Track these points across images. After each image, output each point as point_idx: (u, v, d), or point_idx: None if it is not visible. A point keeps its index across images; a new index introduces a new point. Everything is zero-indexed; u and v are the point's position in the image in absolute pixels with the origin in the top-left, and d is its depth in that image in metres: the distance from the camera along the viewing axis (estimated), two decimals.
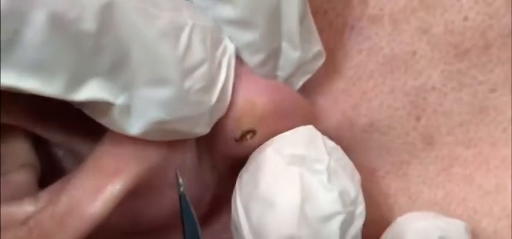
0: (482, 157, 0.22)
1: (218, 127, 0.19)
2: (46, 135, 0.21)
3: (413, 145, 0.22)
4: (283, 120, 0.20)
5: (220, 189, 0.22)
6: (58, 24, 0.15)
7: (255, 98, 0.20)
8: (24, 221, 0.17)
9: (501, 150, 0.22)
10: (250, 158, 0.21)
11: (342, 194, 0.19)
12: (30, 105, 0.20)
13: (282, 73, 0.21)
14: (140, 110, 0.17)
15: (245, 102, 0.19)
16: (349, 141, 0.23)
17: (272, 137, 0.20)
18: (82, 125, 0.20)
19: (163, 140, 0.18)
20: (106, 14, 0.15)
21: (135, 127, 0.17)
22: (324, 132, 0.22)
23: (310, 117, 0.22)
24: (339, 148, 0.21)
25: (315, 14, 0.21)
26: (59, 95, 0.16)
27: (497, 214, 0.22)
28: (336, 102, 0.23)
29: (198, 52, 0.17)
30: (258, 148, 0.20)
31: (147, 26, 0.16)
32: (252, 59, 0.20)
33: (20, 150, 0.20)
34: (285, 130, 0.21)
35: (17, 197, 0.19)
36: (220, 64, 0.18)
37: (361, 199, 0.20)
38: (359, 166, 0.23)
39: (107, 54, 0.16)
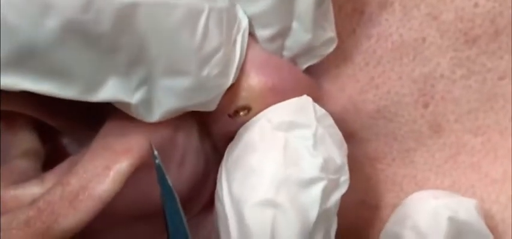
0: (490, 144, 0.22)
1: None
2: (50, 122, 0.21)
3: (420, 132, 0.22)
4: (282, 98, 0.20)
5: None
6: (73, 29, 0.15)
7: (251, 73, 0.19)
8: (33, 202, 0.17)
9: (509, 138, 0.22)
10: (241, 128, 0.21)
11: (327, 161, 0.19)
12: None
13: (288, 53, 0.20)
14: (159, 100, 0.17)
15: (241, 77, 0.19)
16: (355, 126, 0.23)
17: None
18: (87, 112, 0.20)
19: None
20: (125, 13, 0.15)
21: (154, 116, 0.18)
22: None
23: (315, 98, 0.21)
24: (329, 115, 0.21)
25: None
26: (76, 98, 0.16)
27: (505, 202, 0.22)
28: (342, 87, 0.22)
29: (214, 38, 0.17)
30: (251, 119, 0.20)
31: (166, 18, 0.16)
32: (261, 33, 0.20)
33: (24, 137, 0.20)
34: None
35: (22, 181, 0.19)
36: (235, 42, 0.18)
37: (346, 168, 0.20)
38: (365, 152, 0.23)
39: (124, 52, 0.16)
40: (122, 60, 0.16)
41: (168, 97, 0.17)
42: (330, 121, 0.20)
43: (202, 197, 0.23)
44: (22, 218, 0.17)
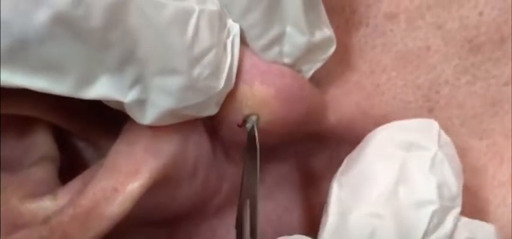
0: (496, 148, 0.22)
1: (222, 112, 0.19)
2: (66, 126, 0.21)
3: None
4: (288, 106, 0.20)
5: (237, 180, 0.22)
6: (63, 23, 0.15)
7: (254, 82, 0.19)
8: (45, 220, 0.18)
9: None
10: (363, 139, 0.21)
11: (441, 186, 0.19)
12: (50, 95, 0.20)
13: (288, 59, 0.20)
14: (151, 100, 0.17)
15: (245, 87, 0.19)
16: (362, 132, 0.23)
17: (280, 122, 0.20)
18: (102, 116, 0.21)
19: (173, 123, 0.18)
20: (116, 9, 0.15)
21: (147, 117, 0.17)
22: (337, 122, 0.22)
23: (320, 105, 0.22)
24: (452, 145, 0.21)
25: (332, 10, 0.21)
26: (68, 94, 0.16)
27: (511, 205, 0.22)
28: (349, 93, 0.23)
29: (205, 39, 0.17)
30: (373, 130, 0.21)
31: (157, 15, 0.16)
32: (257, 44, 0.20)
33: (41, 141, 0.20)
34: (293, 116, 0.20)
35: (37, 192, 0.19)
36: (225, 47, 0.18)
37: (459, 201, 0.19)
38: None
39: (115, 48, 0.16)
40: (114, 57, 0.16)
41: (160, 97, 0.17)
42: (452, 150, 0.21)
43: (213, 204, 0.23)
44: (35, 237, 0.17)
